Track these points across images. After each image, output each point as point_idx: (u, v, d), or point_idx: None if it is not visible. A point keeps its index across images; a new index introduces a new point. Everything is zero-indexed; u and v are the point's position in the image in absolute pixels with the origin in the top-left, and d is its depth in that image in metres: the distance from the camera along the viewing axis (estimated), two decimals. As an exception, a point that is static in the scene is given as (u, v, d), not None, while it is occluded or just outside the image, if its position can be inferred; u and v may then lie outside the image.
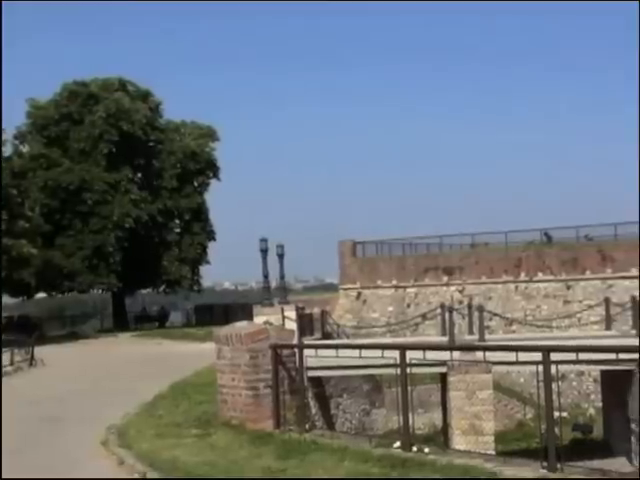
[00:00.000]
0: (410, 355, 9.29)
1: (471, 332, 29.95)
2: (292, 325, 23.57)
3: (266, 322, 16.97)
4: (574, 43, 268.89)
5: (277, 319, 23.73)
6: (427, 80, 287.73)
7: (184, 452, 9.82)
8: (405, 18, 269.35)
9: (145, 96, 47.64)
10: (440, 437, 23.70)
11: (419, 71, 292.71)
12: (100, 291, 49.26)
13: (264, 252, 26.68)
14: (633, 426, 20.92)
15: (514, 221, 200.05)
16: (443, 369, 20.82)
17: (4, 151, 36.71)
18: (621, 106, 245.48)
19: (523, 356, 8.45)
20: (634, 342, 22.04)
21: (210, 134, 50.08)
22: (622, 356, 11.95)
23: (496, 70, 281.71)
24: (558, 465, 7.66)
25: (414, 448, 8.92)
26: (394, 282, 42.49)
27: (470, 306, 32.61)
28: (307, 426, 10.75)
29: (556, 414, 8.06)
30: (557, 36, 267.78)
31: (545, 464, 7.74)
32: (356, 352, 10.49)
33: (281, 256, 27.58)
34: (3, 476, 9.25)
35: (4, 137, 36.21)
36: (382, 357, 9.67)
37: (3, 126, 35.62)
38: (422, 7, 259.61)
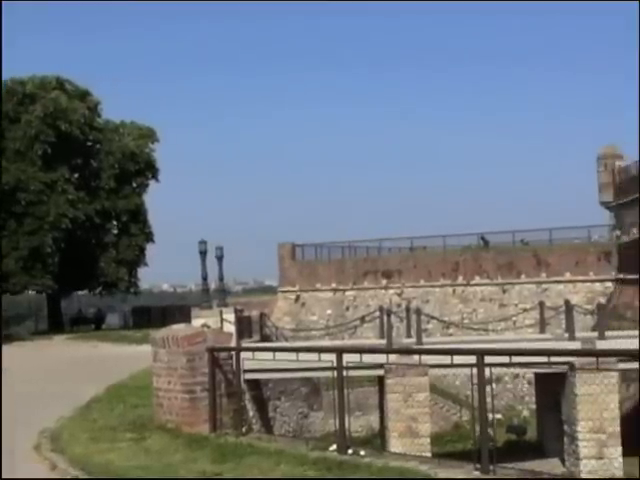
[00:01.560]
0: (348, 358, 9.33)
1: (409, 335, 30.26)
2: (230, 328, 23.47)
3: (204, 325, 16.90)
4: (574, 43, 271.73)
5: (215, 322, 23.57)
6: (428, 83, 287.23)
7: (118, 456, 9.69)
8: (405, 19, 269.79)
9: (83, 95, 46.87)
10: (377, 439, 23.87)
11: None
12: (35, 292, 48.28)
13: (203, 254, 26.47)
14: (566, 427, 21.38)
15: (452, 225, 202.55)
16: (381, 372, 20.98)
17: None
18: (621, 107, 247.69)
19: (458, 359, 8.55)
20: (567, 345, 22.56)
21: (149, 135, 49.52)
22: (555, 359, 12.23)
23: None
24: (491, 467, 7.78)
25: (350, 451, 8.96)
26: (333, 285, 42.67)
27: (408, 309, 32.95)
28: (244, 429, 10.72)
29: (490, 416, 8.18)
30: (557, 36, 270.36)
31: (478, 466, 7.85)
32: (294, 355, 10.49)
33: (220, 258, 27.44)
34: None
35: None
36: (319, 360, 9.69)
37: None
38: (422, 8, 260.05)
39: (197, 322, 21.69)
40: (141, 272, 50.94)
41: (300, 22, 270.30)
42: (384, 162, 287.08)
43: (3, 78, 44.43)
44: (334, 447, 9.14)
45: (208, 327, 14.72)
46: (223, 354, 10.92)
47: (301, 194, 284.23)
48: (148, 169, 49.15)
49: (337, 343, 29.30)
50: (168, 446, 10.05)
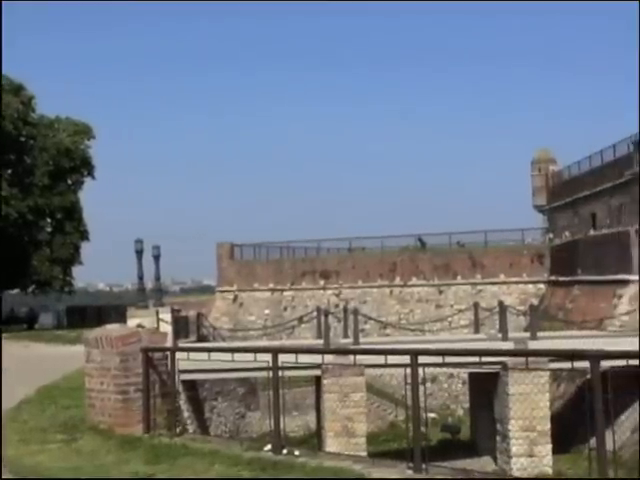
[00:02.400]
0: (285, 358, 9.31)
1: (346, 335, 30.38)
2: (167, 328, 23.26)
3: (139, 325, 16.70)
4: (574, 44, 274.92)
5: (151, 321, 23.33)
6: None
7: (48, 457, 9.51)
8: (405, 19, 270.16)
9: (17, 90, 45.87)
10: (314, 439, 23.92)
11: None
12: (-36, 291, 47.17)
13: (139, 253, 26.18)
14: (498, 426, 21.75)
15: (390, 226, 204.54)
16: (318, 372, 21.03)
17: None
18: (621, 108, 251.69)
19: (393, 359, 8.60)
20: (500, 345, 22.94)
21: (85, 131, 48.77)
22: (488, 359, 12.41)
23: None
24: (423, 465, 7.84)
25: (284, 451, 8.95)
26: (271, 285, 42.62)
27: (346, 310, 33.10)
28: (178, 430, 10.61)
29: (424, 415, 8.26)
30: (557, 36, 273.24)
31: (411, 465, 7.91)
32: (230, 355, 10.41)
33: (157, 257, 27.19)
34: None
35: None
36: (255, 360, 9.65)
37: None
38: (422, 8, 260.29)
39: (133, 322, 21.42)
40: (76, 271, 50.32)
41: (300, 22, 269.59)
42: (330, 163, 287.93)
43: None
44: (269, 447, 9.12)
45: (143, 327, 14.55)
46: (158, 354, 10.80)
47: (240, 194, 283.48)
48: (84, 166, 48.45)
49: (275, 343, 29.25)
50: (100, 447, 9.89)
